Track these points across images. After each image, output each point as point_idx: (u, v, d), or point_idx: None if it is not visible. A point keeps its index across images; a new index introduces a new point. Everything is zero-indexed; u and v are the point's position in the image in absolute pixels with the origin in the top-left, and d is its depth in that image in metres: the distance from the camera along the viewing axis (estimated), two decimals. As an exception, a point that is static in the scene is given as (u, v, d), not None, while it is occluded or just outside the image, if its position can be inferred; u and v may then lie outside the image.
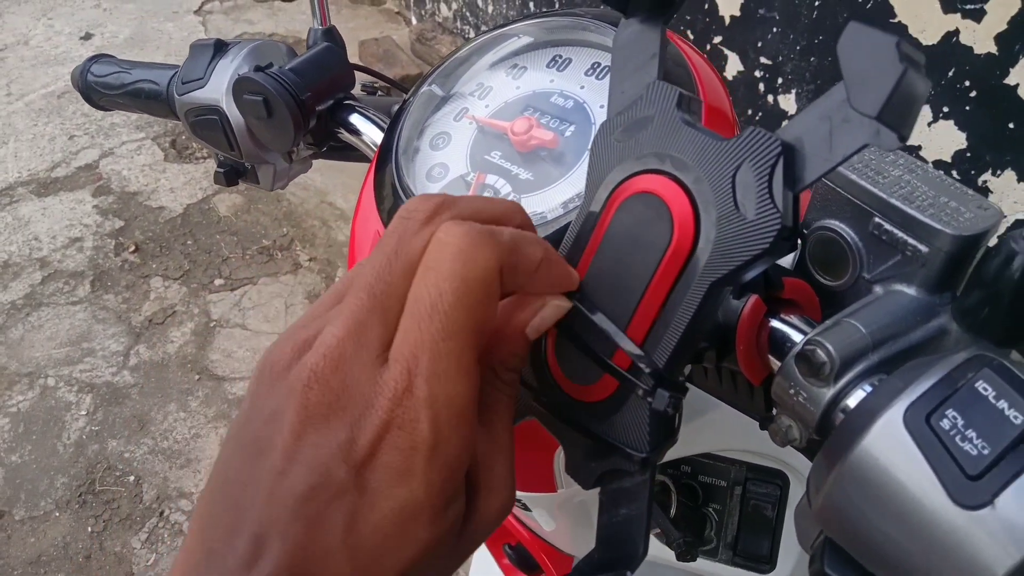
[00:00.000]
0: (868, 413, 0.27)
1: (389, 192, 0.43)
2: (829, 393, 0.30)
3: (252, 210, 2.57)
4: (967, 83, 1.62)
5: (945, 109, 1.72)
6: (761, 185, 0.26)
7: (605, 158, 0.31)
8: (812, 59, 1.94)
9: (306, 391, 0.25)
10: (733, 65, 2.11)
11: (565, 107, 0.42)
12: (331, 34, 0.55)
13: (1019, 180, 1.60)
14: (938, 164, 1.78)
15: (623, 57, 0.31)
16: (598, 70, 0.44)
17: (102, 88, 0.61)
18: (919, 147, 1.80)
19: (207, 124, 0.54)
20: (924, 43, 1.64)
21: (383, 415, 0.24)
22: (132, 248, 2.42)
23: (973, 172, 1.75)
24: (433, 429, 0.25)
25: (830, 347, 0.29)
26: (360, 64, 0.54)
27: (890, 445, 0.26)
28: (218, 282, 2.33)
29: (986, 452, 0.24)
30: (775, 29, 2.01)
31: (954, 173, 1.77)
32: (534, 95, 0.44)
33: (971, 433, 0.25)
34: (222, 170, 0.57)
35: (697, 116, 0.29)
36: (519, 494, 0.53)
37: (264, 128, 0.49)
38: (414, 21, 3.50)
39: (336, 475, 0.24)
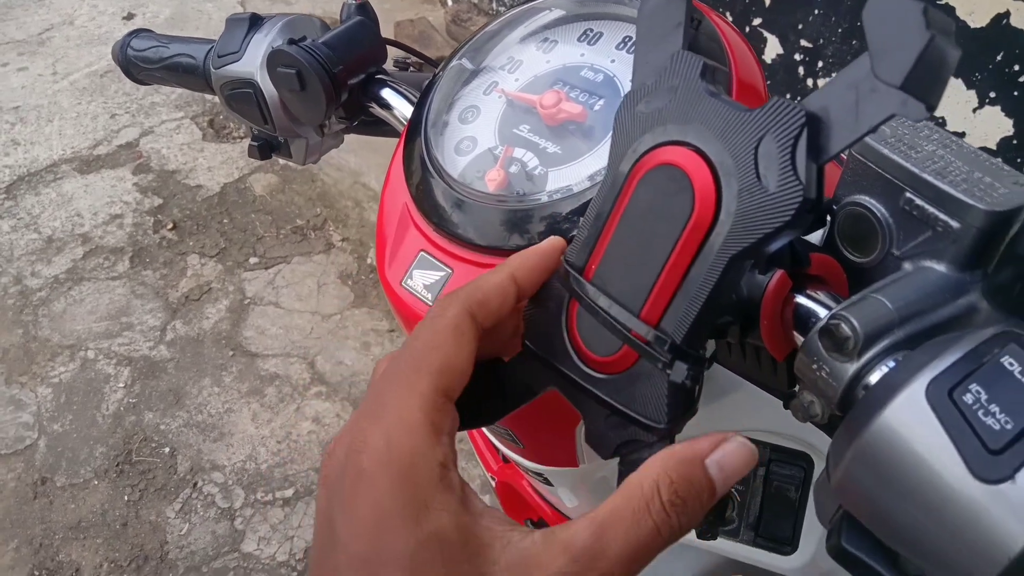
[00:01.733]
0: (890, 387, 0.27)
1: (418, 165, 0.43)
2: (852, 368, 0.29)
3: (287, 190, 2.60)
4: (1016, 67, 1.57)
5: (992, 95, 1.67)
6: (784, 156, 0.26)
7: (628, 129, 0.31)
8: (854, 42, 1.89)
9: None
10: (772, 48, 2.07)
11: (595, 81, 0.42)
12: (364, 9, 0.55)
13: (1068, 170, 1.56)
14: (983, 152, 1.73)
15: (648, 27, 0.31)
16: (629, 44, 0.43)
17: (141, 62, 0.62)
18: (963, 133, 1.75)
19: (242, 97, 0.55)
20: (972, 25, 1.59)
21: None
22: (170, 225, 2.47)
23: (1020, 160, 1.70)
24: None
25: (855, 322, 0.29)
26: (393, 39, 0.55)
27: (911, 419, 0.26)
28: (253, 260, 2.37)
29: (1009, 427, 0.24)
30: (816, 11, 1.97)
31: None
32: (564, 69, 0.44)
33: (994, 408, 0.25)
34: (256, 143, 0.58)
35: (723, 87, 0.29)
36: (541, 468, 0.53)
37: (297, 101, 0.50)
38: (450, 3, 3.50)
39: None
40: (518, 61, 0.46)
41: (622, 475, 0.34)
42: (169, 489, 1.83)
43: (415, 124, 0.45)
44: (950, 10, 1.60)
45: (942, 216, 0.30)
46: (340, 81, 0.49)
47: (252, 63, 0.53)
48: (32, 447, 1.89)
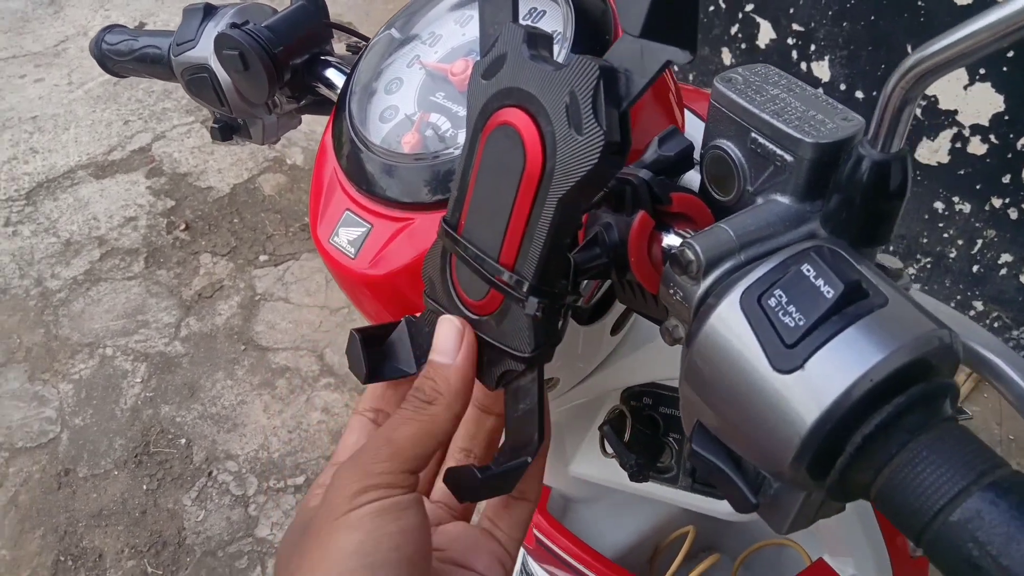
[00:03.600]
0: (715, 298, 0.30)
1: (344, 133, 0.47)
2: (700, 289, 0.33)
3: (295, 189, 2.66)
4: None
5: (982, 71, 1.67)
6: (586, 106, 0.29)
7: (476, 96, 0.34)
8: (844, 24, 1.90)
9: None
10: (765, 33, 2.09)
11: None
12: (313, -6, 0.59)
13: (1059, 143, 1.56)
14: (975, 128, 1.73)
15: (488, 5, 0.35)
16: (535, 14, 0.47)
17: (114, 55, 0.67)
18: (955, 111, 1.75)
19: (199, 82, 0.59)
20: (958, 3, 1.60)
21: None
22: (183, 226, 2.54)
23: (1012, 136, 1.70)
24: None
25: (697, 247, 0.32)
26: (337, 23, 0.59)
27: (728, 324, 0.29)
28: (263, 258, 2.43)
29: (801, 323, 0.27)
30: (804, -7, 1.97)
31: (991, 137, 1.72)
32: (476, 40, 0.47)
33: (792, 308, 0.28)
34: (216, 126, 0.62)
35: (547, 51, 0.32)
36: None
37: (243, 81, 0.54)
38: None
39: None
40: (439, 35, 0.50)
41: (506, 404, 0.37)
42: (186, 478, 1.89)
43: (343, 95, 0.49)
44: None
45: (779, 152, 0.34)
46: (281, 61, 0.53)
47: (206, 49, 0.57)
48: (55, 440, 1.97)
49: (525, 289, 0.33)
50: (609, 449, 0.58)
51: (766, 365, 0.28)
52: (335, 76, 0.56)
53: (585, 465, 0.63)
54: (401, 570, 0.29)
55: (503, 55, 0.33)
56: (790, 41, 2.05)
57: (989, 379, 0.33)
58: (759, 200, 0.35)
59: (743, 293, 0.29)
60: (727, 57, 2.25)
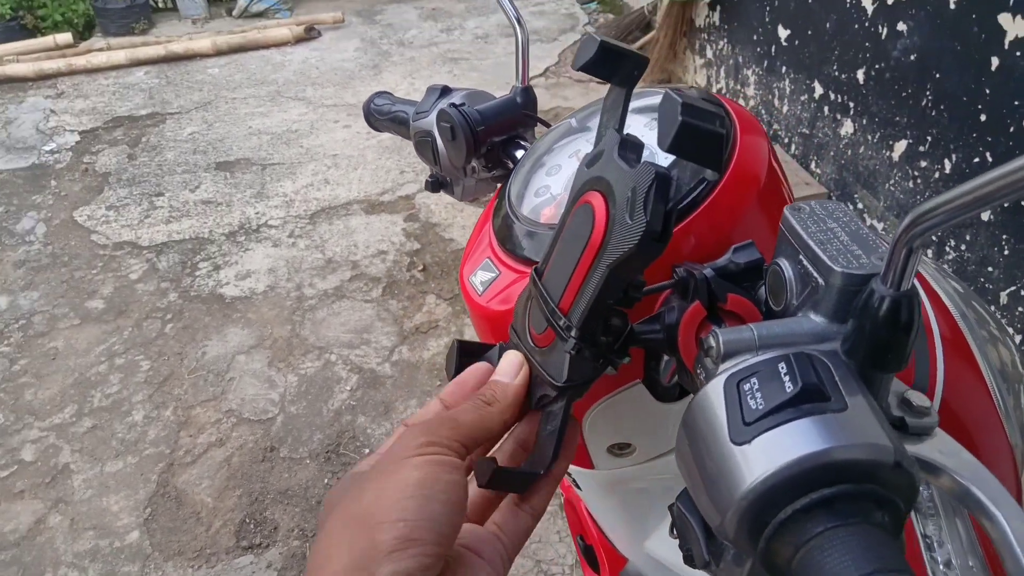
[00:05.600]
0: (709, 379, 0.36)
1: (503, 204, 0.59)
2: (717, 371, 0.38)
3: (522, 255, 2.89)
4: None
5: None
6: (639, 199, 0.37)
7: (577, 179, 0.44)
8: None
9: None
10: None
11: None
12: (526, 91, 0.72)
13: None
14: None
15: (605, 110, 0.44)
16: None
17: (376, 113, 0.86)
18: None
19: (423, 144, 0.74)
20: None
21: None
22: (421, 268, 2.87)
23: None
24: None
25: (720, 338, 0.38)
26: (534, 115, 0.71)
27: (710, 398, 0.35)
28: (477, 309, 2.66)
29: (761, 407, 0.33)
30: None
31: None
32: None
33: (759, 394, 0.33)
34: (431, 180, 0.77)
35: (634, 154, 0.40)
36: (571, 469, 0.64)
37: (450, 147, 0.68)
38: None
39: None
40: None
41: (540, 424, 0.45)
42: (359, 484, 2.10)
43: (513, 171, 0.60)
44: None
45: (815, 275, 0.39)
46: (480, 138, 0.66)
47: (432, 120, 0.72)
48: (272, 420, 2.30)
49: (570, 331, 0.41)
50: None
51: (726, 436, 0.33)
52: (521, 155, 0.69)
53: (661, 545, 0.67)
54: (446, 510, 0.36)
55: (602, 151, 0.42)
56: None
57: (980, 519, 0.35)
58: (799, 314, 0.40)
59: (729, 376, 0.35)
60: (985, 212, 2.10)
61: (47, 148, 3.93)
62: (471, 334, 2.55)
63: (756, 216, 0.50)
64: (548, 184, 0.59)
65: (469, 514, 0.44)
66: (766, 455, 0.31)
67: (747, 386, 0.34)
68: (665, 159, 0.50)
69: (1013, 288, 2.04)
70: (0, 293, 2.91)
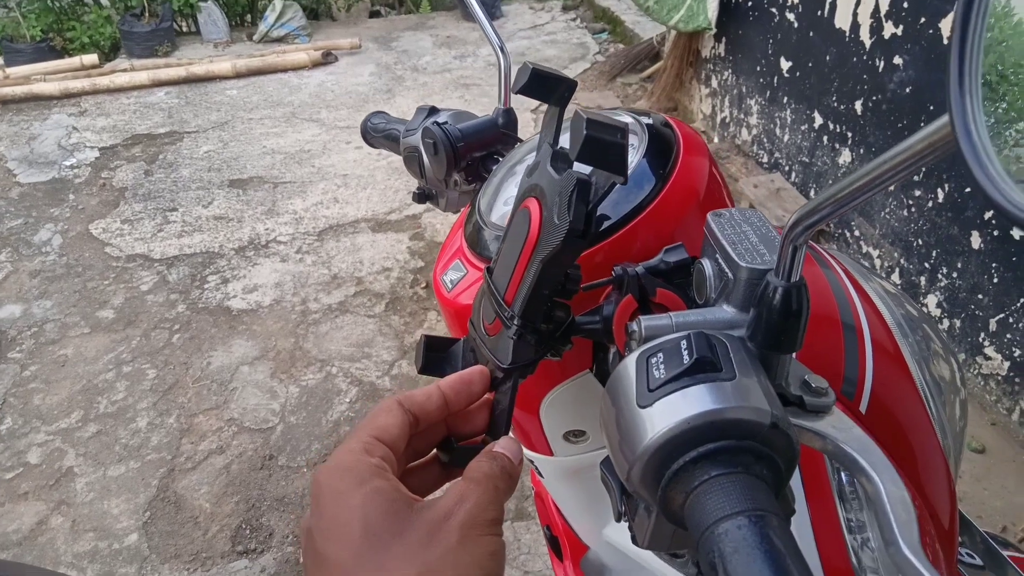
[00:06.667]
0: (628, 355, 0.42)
1: (474, 212, 0.65)
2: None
3: (523, 276, 2.95)
4: None
5: None
6: (564, 203, 0.43)
7: (520, 187, 0.50)
8: None
9: None
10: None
11: None
12: (508, 113, 0.79)
13: None
14: None
15: (543, 127, 0.50)
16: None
17: (372, 131, 0.92)
18: None
19: (411, 159, 0.81)
20: None
21: None
22: (423, 285, 2.93)
23: None
24: None
25: (643, 324, 0.44)
26: (516, 135, 0.77)
27: (627, 372, 0.40)
28: (478, 327, 2.71)
29: (662, 376, 0.38)
30: None
31: None
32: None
33: (662, 366, 0.39)
34: (417, 192, 0.84)
35: (565, 164, 0.46)
36: (532, 455, 0.69)
37: (433, 162, 0.74)
38: (715, 140, 3.72)
39: None
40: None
41: (493, 403, 0.50)
42: (355, 494, 2.15)
43: (484, 184, 0.66)
44: None
45: (727, 270, 0.44)
46: (460, 153, 0.72)
47: (419, 137, 0.79)
48: (271, 429, 2.35)
49: (512, 319, 0.47)
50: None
51: (634, 401, 0.38)
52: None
53: (618, 531, 0.71)
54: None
55: (539, 163, 0.48)
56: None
57: (863, 482, 0.40)
58: (716, 305, 0.46)
59: (641, 352, 0.40)
60: (976, 240, 2.14)
61: (67, 163, 4.04)
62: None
63: (696, 222, 0.56)
64: (515, 194, 0.64)
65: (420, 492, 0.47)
66: (663, 415, 0.37)
67: (654, 360, 0.39)
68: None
69: (1002, 315, 2.08)
70: (15, 301, 3.00)
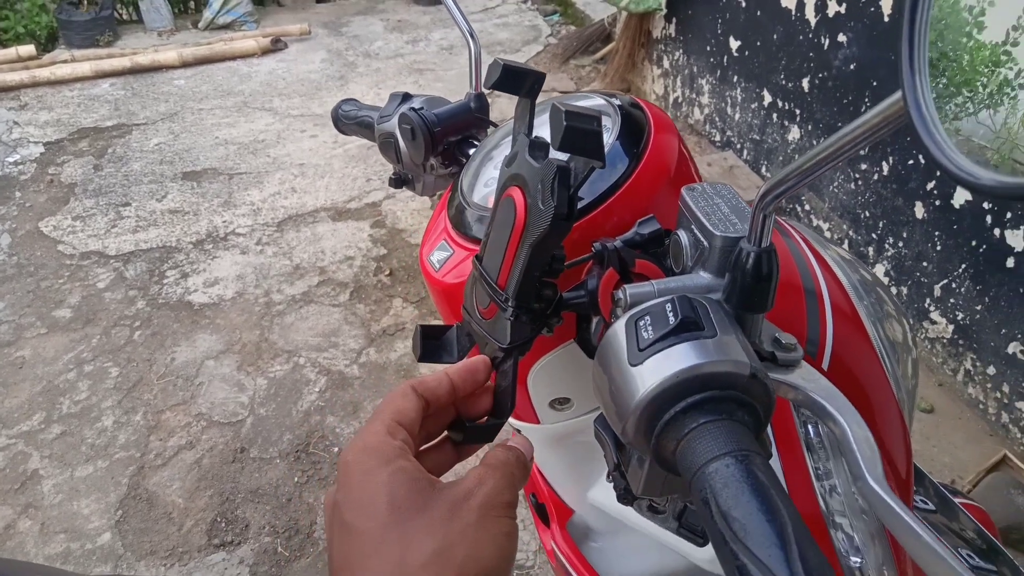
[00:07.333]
0: (617, 319, 0.45)
1: (457, 193, 0.67)
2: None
3: (486, 259, 2.98)
4: None
5: None
6: (547, 189, 0.46)
7: (500, 177, 0.53)
8: None
9: None
10: (962, 194, 2.07)
11: None
12: (479, 97, 0.81)
13: None
14: None
15: (516, 119, 0.53)
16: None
17: (343, 119, 0.94)
18: None
19: (387, 145, 0.83)
20: None
21: None
22: (387, 272, 2.94)
23: None
24: None
25: (627, 291, 0.47)
26: (489, 119, 0.80)
27: (617, 335, 0.44)
28: (443, 312, 2.74)
29: (650, 336, 0.42)
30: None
31: None
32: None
33: (650, 327, 0.42)
34: (394, 177, 0.86)
35: (542, 152, 0.49)
36: (519, 424, 0.72)
37: (410, 146, 0.76)
38: (670, 120, 3.78)
39: None
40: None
41: (496, 382, 0.53)
42: (330, 480, 2.16)
43: (465, 167, 0.69)
44: None
45: (702, 239, 0.48)
46: (437, 138, 0.75)
47: (395, 123, 0.81)
48: (241, 422, 2.34)
49: (507, 302, 0.50)
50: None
51: (625, 361, 0.42)
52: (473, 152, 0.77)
53: (602, 492, 0.75)
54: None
55: (516, 153, 0.51)
56: (985, 206, 2.02)
57: (829, 426, 0.44)
58: (693, 272, 0.50)
59: (629, 316, 0.44)
60: (919, 210, 2.24)
61: (11, 160, 3.92)
62: (437, 336, 2.62)
63: (668, 197, 0.60)
64: (495, 176, 0.67)
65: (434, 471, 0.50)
66: (653, 372, 0.40)
67: (642, 322, 0.43)
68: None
69: (945, 281, 2.19)
70: (-35, 303, 2.91)
